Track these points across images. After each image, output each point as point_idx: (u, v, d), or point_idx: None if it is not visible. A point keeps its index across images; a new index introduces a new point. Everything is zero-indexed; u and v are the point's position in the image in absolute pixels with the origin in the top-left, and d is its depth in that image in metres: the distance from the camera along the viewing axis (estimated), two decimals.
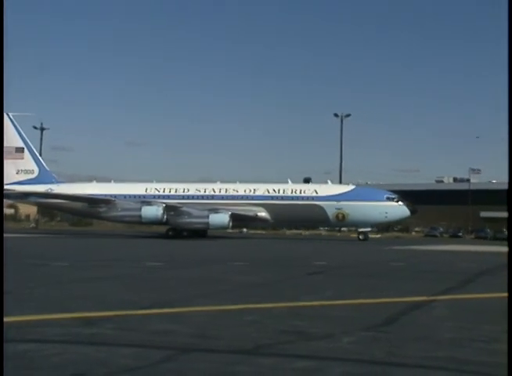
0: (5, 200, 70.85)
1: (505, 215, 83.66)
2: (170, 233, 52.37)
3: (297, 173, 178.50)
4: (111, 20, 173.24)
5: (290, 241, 50.51)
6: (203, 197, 52.93)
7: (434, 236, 75.74)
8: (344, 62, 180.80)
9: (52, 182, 56.21)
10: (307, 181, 71.07)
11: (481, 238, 69.47)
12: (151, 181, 56.49)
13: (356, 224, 52.80)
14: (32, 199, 56.80)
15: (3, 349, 5.67)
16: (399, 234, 71.94)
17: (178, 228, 51.78)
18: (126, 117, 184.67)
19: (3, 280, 7.56)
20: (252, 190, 53.12)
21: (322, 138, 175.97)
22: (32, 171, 56.93)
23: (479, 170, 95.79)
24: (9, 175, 55.99)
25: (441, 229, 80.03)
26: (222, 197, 52.73)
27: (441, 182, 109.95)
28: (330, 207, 51.12)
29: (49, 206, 59.27)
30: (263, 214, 52.29)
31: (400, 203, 51.76)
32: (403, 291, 13.60)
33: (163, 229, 54.77)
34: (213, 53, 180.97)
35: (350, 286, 14.71)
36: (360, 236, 51.87)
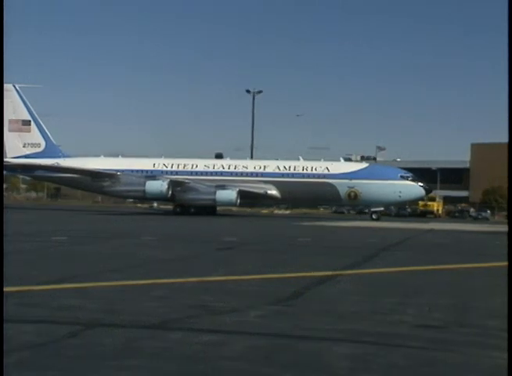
0: (11, 174, 67.65)
1: None
2: (178, 209, 50.64)
3: (207, 149, 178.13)
4: None
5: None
6: (211, 174, 51.25)
7: (342, 212, 77.66)
8: (256, 38, 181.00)
9: (58, 156, 54.01)
10: (218, 157, 70.89)
11: (385, 215, 71.79)
12: (159, 156, 55.10)
13: (369, 203, 51.33)
14: (38, 173, 54.65)
15: (3, 349, 5.49)
16: (308, 210, 73.29)
17: (184, 204, 50.20)
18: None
19: (3, 279, 7.41)
20: (262, 167, 51.71)
21: (233, 114, 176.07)
22: (39, 145, 54.69)
23: (384, 147, 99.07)
24: (16, 148, 53.85)
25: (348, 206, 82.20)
26: (231, 174, 51.08)
27: (350, 159, 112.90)
28: (342, 186, 49.50)
29: (55, 180, 56.77)
30: (273, 191, 50.63)
31: (415, 182, 50.50)
32: (310, 265, 13.93)
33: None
34: (127, 24, 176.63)
35: (258, 261, 14.92)
36: (373, 216, 50.49)
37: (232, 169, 51.65)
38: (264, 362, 5.55)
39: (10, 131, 53.89)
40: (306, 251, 18.34)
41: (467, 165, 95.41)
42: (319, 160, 54.16)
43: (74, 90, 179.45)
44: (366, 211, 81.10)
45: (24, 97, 55.03)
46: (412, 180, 50.61)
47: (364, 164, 53.18)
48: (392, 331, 7.00)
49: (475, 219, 70.41)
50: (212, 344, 6.17)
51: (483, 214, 74.74)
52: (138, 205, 79.92)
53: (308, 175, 50.54)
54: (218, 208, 53.05)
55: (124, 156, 56.47)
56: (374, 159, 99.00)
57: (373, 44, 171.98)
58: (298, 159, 53.79)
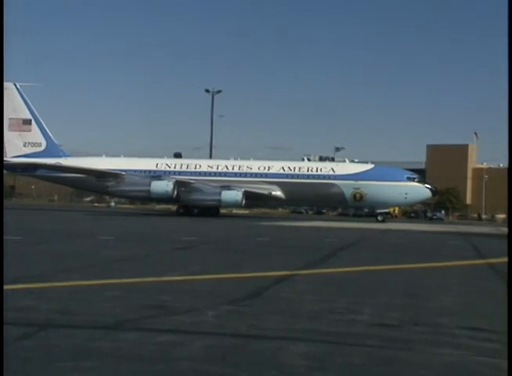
0: (11, 174, 66.56)
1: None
2: (181, 210, 50.08)
3: (167, 148, 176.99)
4: None
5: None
6: (215, 174, 50.61)
7: (300, 212, 78.17)
8: (216, 37, 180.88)
9: (59, 156, 52.93)
10: (177, 156, 70.52)
11: (343, 215, 72.52)
12: (162, 156, 54.57)
13: (375, 205, 50.67)
14: (40, 172, 53.08)
15: (3, 349, 5.33)
16: (267, 210, 73.44)
17: (188, 205, 49.55)
18: None
19: (3, 277, 7.22)
20: (266, 168, 51.06)
21: (193, 113, 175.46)
22: (40, 144, 53.53)
23: (343, 147, 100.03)
24: (16, 147, 52.60)
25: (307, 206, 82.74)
26: (235, 174, 50.44)
27: (308, 160, 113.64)
28: (348, 187, 48.97)
29: (58, 180, 54.89)
30: (278, 192, 50.00)
31: (421, 183, 50.19)
32: (268, 265, 13.97)
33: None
34: (88, 22, 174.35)
35: (216, 261, 14.89)
36: (379, 218, 50.05)
37: (236, 170, 51.17)
38: (221, 361, 5.54)
39: (10, 130, 53.01)
40: (264, 251, 18.37)
41: (423, 166, 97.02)
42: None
43: None
44: (324, 211, 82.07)
45: (25, 96, 54.13)
46: (419, 182, 50.36)
47: (370, 165, 52.30)
48: (348, 330, 7.07)
49: (430, 220, 71.67)
50: (169, 344, 6.14)
51: (438, 214, 76.18)
52: (96, 205, 78.98)
53: (313, 176, 50.08)
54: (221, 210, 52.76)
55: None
56: (332, 159, 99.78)
57: (331, 45, 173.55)
58: (306, 160, 54.04)
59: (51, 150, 53.67)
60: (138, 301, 8.48)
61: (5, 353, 5.58)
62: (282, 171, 50.78)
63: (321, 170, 50.53)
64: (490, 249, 23.16)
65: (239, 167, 51.55)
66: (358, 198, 49.45)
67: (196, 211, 49.89)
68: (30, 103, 54.29)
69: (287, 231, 32.70)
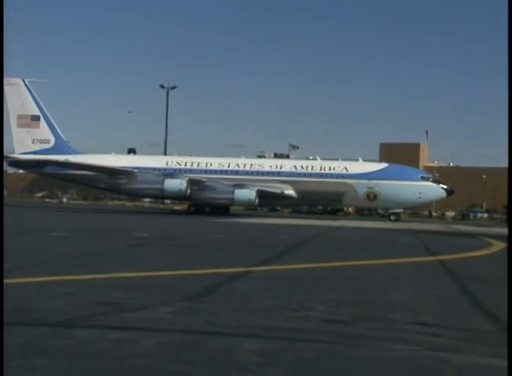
0: (19, 171, 64.80)
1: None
2: (192, 208, 49.76)
3: (121, 144, 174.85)
4: None
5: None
6: (226, 172, 49.90)
7: (255, 209, 78.36)
8: (172, 34, 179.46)
9: (68, 153, 51.67)
10: (131, 152, 69.84)
11: (297, 212, 72.95)
12: (172, 154, 53.72)
13: (388, 204, 50.28)
14: (49, 169, 51.39)
15: (3, 348, 5.16)
16: None
17: (200, 203, 49.07)
18: None
19: (3, 276, 6.97)
20: (278, 166, 50.64)
21: (147, 109, 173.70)
22: (48, 141, 52.28)
23: (298, 147, 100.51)
24: (24, 144, 51.32)
25: None
26: (247, 173, 49.74)
27: (263, 157, 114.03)
28: (361, 186, 48.41)
29: (65, 177, 53.28)
30: (290, 191, 49.29)
31: (435, 183, 49.83)
32: (222, 262, 13.98)
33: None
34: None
35: (170, 257, 14.84)
36: (392, 217, 49.91)
37: (247, 168, 50.68)
38: (173, 358, 5.54)
39: (19, 126, 51.92)
40: (219, 247, 18.36)
41: None
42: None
43: None
44: (278, 208, 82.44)
45: (34, 92, 52.92)
46: (433, 181, 50.41)
47: (383, 164, 52.22)
48: (302, 326, 7.15)
49: (383, 217, 72.72)
50: (121, 341, 6.10)
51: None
52: (47, 200, 77.65)
53: (326, 175, 49.54)
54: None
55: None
56: (287, 156, 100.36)
57: (286, 43, 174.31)
58: (315, 158, 53.08)
59: (59, 146, 52.75)
60: (90, 298, 8.38)
61: None
62: (294, 170, 50.43)
63: (334, 169, 49.99)
64: (440, 246, 23.65)
65: (251, 165, 51.14)
66: (372, 198, 49.20)
67: (207, 209, 49.65)
68: (38, 99, 53.22)
69: (242, 228, 32.72)
